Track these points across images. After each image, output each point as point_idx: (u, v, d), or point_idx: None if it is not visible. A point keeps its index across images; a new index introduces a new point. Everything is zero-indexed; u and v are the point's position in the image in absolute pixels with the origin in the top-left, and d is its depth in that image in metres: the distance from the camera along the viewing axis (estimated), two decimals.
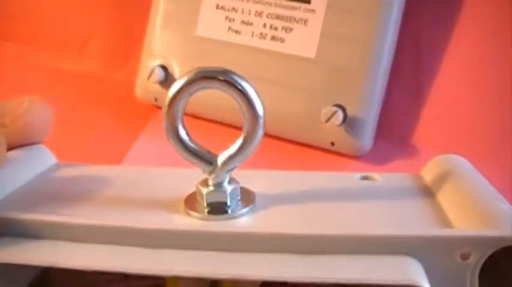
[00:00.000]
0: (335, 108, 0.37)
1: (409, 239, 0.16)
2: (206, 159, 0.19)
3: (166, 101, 0.18)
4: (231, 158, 0.19)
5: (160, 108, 0.46)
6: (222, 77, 0.18)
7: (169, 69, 0.41)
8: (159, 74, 0.40)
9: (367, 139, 0.38)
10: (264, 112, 0.18)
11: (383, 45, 0.38)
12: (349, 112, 0.37)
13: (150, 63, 0.42)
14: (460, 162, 0.22)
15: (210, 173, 0.19)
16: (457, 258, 0.16)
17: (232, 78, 0.18)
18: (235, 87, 0.18)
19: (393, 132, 0.42)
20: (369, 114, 0.38)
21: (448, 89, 0.43)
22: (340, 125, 0.37)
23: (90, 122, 0.45)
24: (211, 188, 0.19)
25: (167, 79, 0.41)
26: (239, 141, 0.19)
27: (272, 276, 0.16)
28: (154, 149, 0.42)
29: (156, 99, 0.43)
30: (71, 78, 0.48)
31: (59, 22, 0.49)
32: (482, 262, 0.16)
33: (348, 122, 0.37)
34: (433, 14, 0.43)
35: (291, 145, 0.41)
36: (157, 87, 0.41)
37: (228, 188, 0.19)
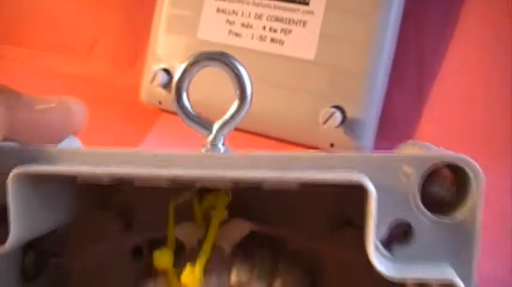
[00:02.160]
0: (333, 110, 0.37)
1: (358, 158, 0.19)
2: (204, 125, 0.22)
3: (177, 76, 0.22)
4: (225, 123, 0.22)
5: (165, 111, 0.47)
6: (221, 58, 0.22)
7: (173, 73, 0.42)
8: (162, 77, 0.41)
9: (367, 140, 0.38)
10: (252, 86, 0.22)
11: (382, 45, 0.38)
12: (349, 113, 0.38)
13: (154, 67, 0.42)
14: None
15: (207, 135, 0.22)
16: (400, 176, 0.19)
17: (228, 58, 0.22)
18: (228, 65, 0.22)
19: (394, 133, 0.42)
20: (369, 115, 0.38)
21: (450, 89, 0.43)
22: (338, 126, 0.37)
23: (98, 124, 0.46)
24: (208, 147, 0.22)
25: (171, 82, 0.41)
26: (232, 109, 0.22)
27: (245, 176, 0.20)
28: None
29: (160, 103, 0.43)
30: (79, 81, 0.49)
31: (66, 26, 0.50)
32: (421, 179, 0.19)
33: (348, 123, 0.38)
34: (435, 13, 0.43)
35: (291, 147, 0.41)
36: (161, 90, 0.42)
37: (222, 148, 0.22)
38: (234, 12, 0.40)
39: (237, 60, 0.22)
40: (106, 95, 0.49)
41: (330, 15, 0.38)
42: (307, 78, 0.38)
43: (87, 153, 0.21)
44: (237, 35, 0.40)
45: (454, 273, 0.18)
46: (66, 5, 0.51)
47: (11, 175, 0.20)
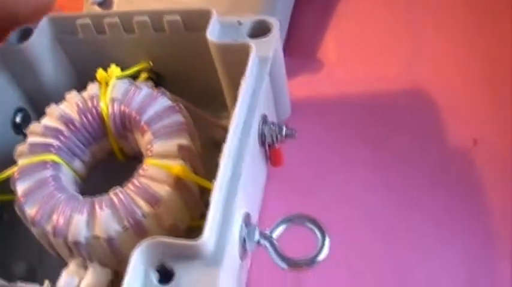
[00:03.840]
0: None
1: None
2: None
3: None
4: None
5: None
6: None
7: None
8: None
9: None
10: None
11: None
12: None
13: None
14: None
15: None
16: (236, 24, 0.35)
17: None
18: None
19: (299, 50, 0.46)
20: None
21: (356, 9, 0.46)
22: None
23: None
24: None
25: (106, 1, 0.46)
26: None
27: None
28: None
29: None
30: None
31: None
32: (249, 26, 0.35)
33: None
34: None
35: None
36: (97, 8, 0.46)
37: None
38: None
39: None
40: None
41: None
42: None
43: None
44: None
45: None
46: None
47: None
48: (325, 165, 0.39)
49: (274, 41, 0.34)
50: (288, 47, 0.45)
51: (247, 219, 0.30)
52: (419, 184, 0.37)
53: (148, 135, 0.33)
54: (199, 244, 0.25)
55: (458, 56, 0.43)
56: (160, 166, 0.31)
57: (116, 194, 0.31)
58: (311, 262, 0.29)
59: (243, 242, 0.30)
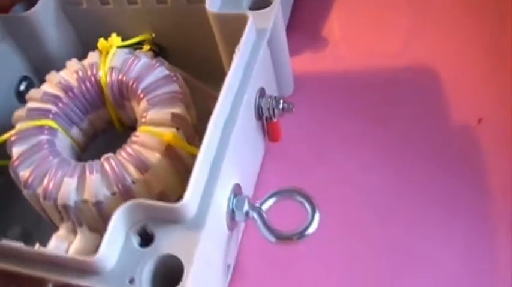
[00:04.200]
0: None
1: None
2: None
3: None
4: None
5: None
6: None
7: None
8: None
9: None
10: None
11: None
12: None
13: None
14: None
15: None
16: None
17: None
18: None
19: (305, 27, 0.45)
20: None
21: None
22: None
23: None
24: None
25: None
26: None
27: None
28: None
29: None
30: None
31: None
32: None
33: None
34: None
35: None
36: None
37: None
38: None
39: None
40: None
41: None
42: None
43: None
44: None
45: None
46: None
47: None
48: (325, 143, 0.39)
49: (274, 13, 0.34)
50: (293, 25, 0.44)
51: (237, 190, 0.30)
52: (421, 164, 0.36)
53: (143, 104, 0.33)
54: (180, 207, 0.24)
55: (462, 33, 0.41)
56: (152, 133, 0.31)
57: (107, 160, 0.31)
58: (300, 235, 0.28)
59: (232, 213, 0.29)
